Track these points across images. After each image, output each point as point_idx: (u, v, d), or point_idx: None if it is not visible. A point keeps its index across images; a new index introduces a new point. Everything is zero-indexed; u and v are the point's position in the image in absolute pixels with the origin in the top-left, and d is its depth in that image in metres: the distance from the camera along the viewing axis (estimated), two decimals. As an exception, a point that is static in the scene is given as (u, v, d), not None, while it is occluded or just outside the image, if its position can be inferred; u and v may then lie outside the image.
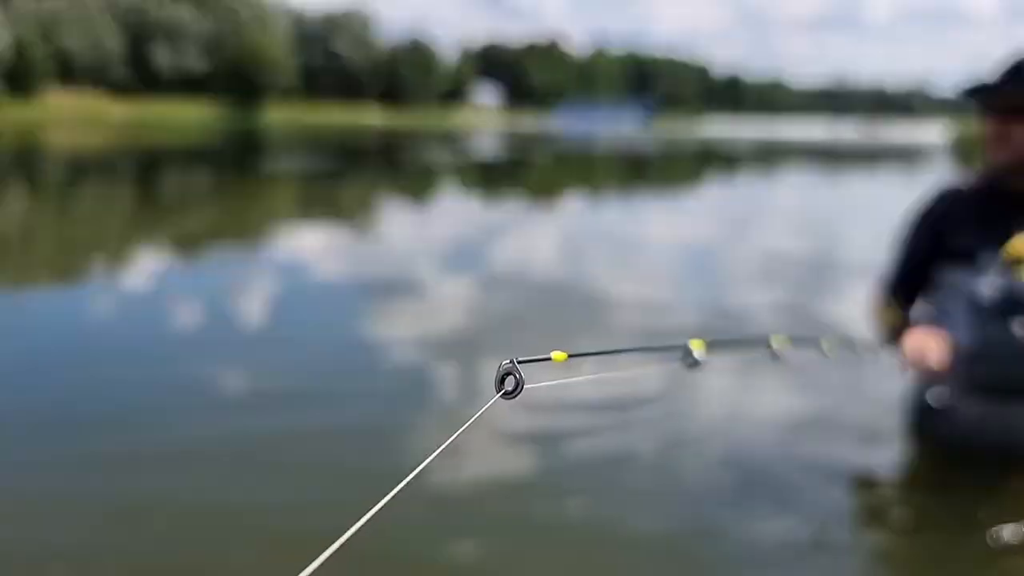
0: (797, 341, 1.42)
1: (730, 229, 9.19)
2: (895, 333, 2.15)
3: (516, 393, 0.72)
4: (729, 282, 5.81)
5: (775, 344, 1.30)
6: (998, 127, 2.06)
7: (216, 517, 2.06)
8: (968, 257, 2.07)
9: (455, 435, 0.65)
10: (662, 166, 22.69)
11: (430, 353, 3.61)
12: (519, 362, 0.72)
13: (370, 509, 0.51)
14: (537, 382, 0.74)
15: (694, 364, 1.03)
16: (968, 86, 2.13)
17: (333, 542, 0.46)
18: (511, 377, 0.72)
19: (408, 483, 0.55)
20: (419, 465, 0.61)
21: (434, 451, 0.63)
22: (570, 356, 0.79)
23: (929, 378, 2.02)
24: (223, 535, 1.98)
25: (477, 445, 2.50)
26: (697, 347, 1.03)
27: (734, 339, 1.18)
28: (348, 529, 0.54)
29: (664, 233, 8.89)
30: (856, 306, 3.45)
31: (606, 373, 0.95)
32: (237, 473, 2.32)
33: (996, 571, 1.89)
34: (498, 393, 0.72)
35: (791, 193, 15.05)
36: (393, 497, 0.57)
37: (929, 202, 2.24)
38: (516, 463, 2.44)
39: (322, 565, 0.42)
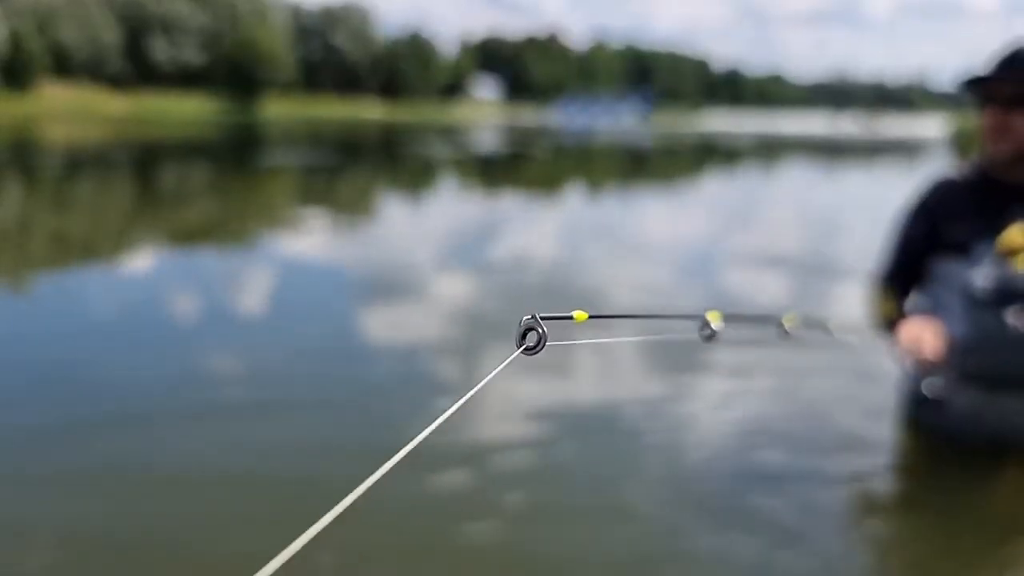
0: (807, 321, 1.46)
1: (731, 224, 9.19)
2: (891, 324, 2.15)
3: (538, 349, 0.68)
4: (730, 276, 5.81)
5: (786, 323, 1.32)
6: (998, 118, 2.05)
7: (202, 488, 2.07)
8: (963, 248, 2.07)
9: (471, 392, 0.62)
10: (661, 161, 22.66)
11: (424, 341, 3.61)
12: (541, 318, 0.69)
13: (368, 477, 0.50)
14: (559, 340, 0.70)
15: (711, 336, 1.02)
16: (967, 78, 2.12)
17: (311, 524, 0.44)
18: (533, 332, 0.68)
19: (408, 453, 0.54)
20: (426, 429, 0.59)
21: (442, 414, 0.60)
22: (591, 316, 0.77)
23: (924, 368, 2.02)
24: (212, 508, 1.98)
25: (481, 413, 2.50)
26: (714, 319, 1.03)
27: (748, 314, 1.20)
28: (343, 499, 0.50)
29: (663, 228, 8.88)
30: (855, 296, 3.45)
31: (626, 338, 0.94)
32: (223, 448, 2.32)
33: (991, 559, 1.89)
34: (519, 348, 0.68)
35: (792, 188, 15.04)
36: (396, 465, 0.54)
37: (924, 193, 2.24)
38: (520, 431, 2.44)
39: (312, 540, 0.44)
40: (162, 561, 1.82)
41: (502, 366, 0.66)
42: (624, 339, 0.97)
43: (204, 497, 2.11)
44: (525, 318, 0.68)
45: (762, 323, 1.33)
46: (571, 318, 0.75)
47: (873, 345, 2.32)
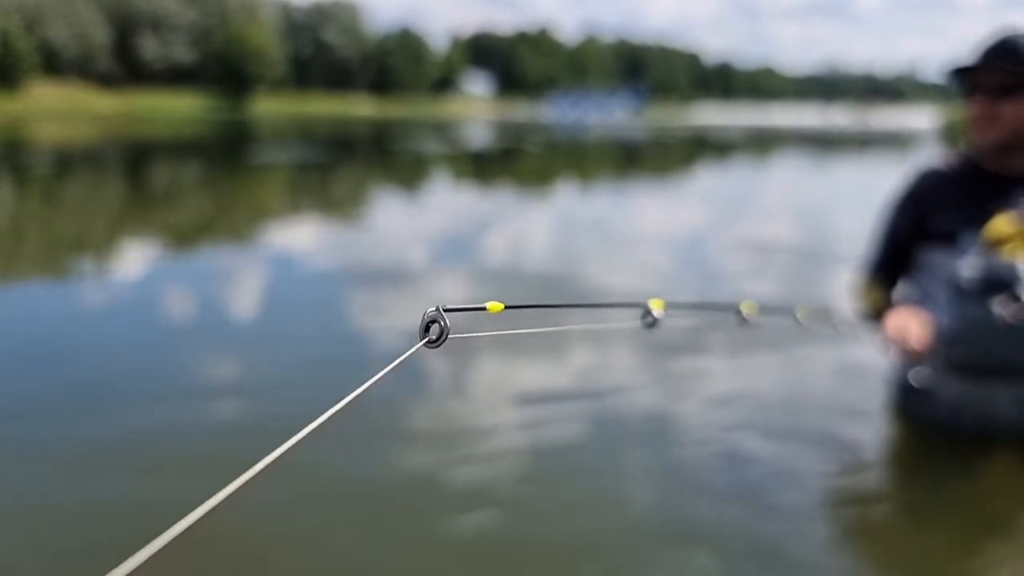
0: (768, 309, 1.40)
1: (722, 216, 9.20)
2: (878, 314, 2.15)
3: (440, 342, 0.69)
4: (723, 269, 5.82)
5: (744, 309, 1.26)
6: (985, 107, 2.06)
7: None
8: (949, 238, 2.08)
9: (373, 379, 0.61)
10: (654, 155, 22.66)
11: (413, 330, 3.60)
12: (446, 310, 0.69)
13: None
14: (467, 332, 0.70)
15: (652, 323, 1.00)
16: (955, 67, 2.12)
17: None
18: (435, 325, 0.69)
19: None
20: (329, 410, 0.57)
21: (348, 395, 0.60)
22: (507, 307, 0.76)
23: (911, 358, 2.03)
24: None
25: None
26: (657, 307, 1.00)
27: (700, 302, 1.15)
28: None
29: (655, 220, 8.89)
30: (843, 283, 3.45)
31: (550, 328, 0.91)
32: (202, 417, 2.31)
33: (977, 547, 1.90)
34: (421, 341, 0.69)
35: (785, 178, 15.06)
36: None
37: (911, 183, 2.24)
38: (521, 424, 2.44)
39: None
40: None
41: (403, 357, 0.65)
42: (538, 330, 0.93)
43: (166, 475, 2.13)
44: (429, 310, 0.68)
45: (716, 311, 1.26)
46: (483, 309, 0.74)
47: (848, 334, 2.32)
